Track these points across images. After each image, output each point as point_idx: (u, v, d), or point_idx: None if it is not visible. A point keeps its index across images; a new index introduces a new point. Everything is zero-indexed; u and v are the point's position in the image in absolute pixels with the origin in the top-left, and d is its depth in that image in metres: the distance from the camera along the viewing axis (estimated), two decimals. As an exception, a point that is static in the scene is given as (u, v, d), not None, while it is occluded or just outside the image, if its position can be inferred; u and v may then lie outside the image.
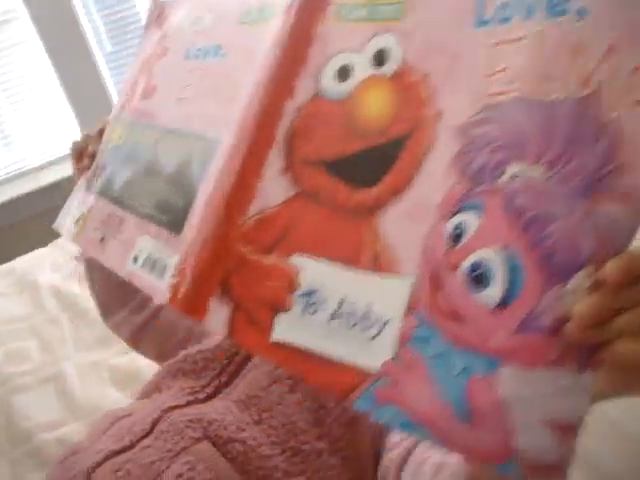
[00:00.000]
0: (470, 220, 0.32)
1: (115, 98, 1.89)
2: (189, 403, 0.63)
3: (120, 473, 0.56)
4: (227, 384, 0.65)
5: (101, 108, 1.83)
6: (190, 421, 0.59)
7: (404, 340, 0.33)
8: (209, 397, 0.64)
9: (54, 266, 1.19)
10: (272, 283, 0.38)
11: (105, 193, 0.55)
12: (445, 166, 0.33)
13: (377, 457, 0.59)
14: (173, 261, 0.42)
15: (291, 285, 0.37)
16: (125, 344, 0.97)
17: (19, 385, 0.96)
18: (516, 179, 0.31)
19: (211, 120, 0.46)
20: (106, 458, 0.59)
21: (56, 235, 0.72)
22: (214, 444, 0.57)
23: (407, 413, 0.31)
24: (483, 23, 0.34)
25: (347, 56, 0.40)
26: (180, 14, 0.57)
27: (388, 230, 0.35)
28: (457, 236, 0.32)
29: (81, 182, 0.62)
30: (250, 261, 0.40)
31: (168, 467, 0.55)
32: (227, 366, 0.66)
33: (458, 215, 0.32)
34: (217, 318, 0.39)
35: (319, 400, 0.60)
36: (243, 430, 0.58)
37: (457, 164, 0.33)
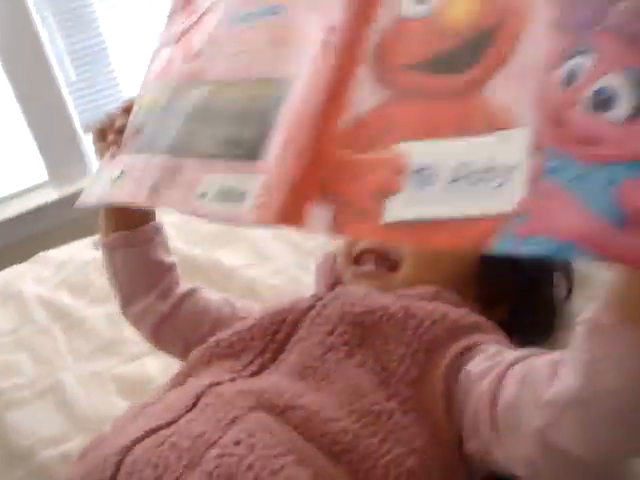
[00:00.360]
0: (582, 62, 0.34)
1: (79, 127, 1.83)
2: (233, 380, 0.59)
3: (164, 447, 0.51)
4: (272, 360, 0.62)
5: (64, 137, 1.77)
6: (239, 392, 0.56)
7: (536, 176, 0.33)
8: (254, 374, 0.61)
9: (37, 280, 1.11)
10: (377, 173, 0.40)
11: (149, 149, 0.58)
12: (545, 32, 0.36)
13: (452, 416, 0.55)
14: (253, 185, 0.44)
15: (399, 168, 0.39)
16: (135, 348, 0.91)
17: (12, 400, 0.88)
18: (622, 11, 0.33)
19: (277, 64, 0.50)
20: (144, 436, 0.53)
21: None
22: (270, 413, 0.53)
23: (556, 237, 0.31)
24: None
25: None
26: None
27: (497, 96, 0.37)
28: (570, 79, 0.34)
29: (108, 156, 0.65)
30: (349, 162, 0.42)
31: (221, 437, 0.51)
32: (269, 343, 0.63)
33: (568, 62, 0.34)
34: (318, 221, 0.40)
35: (381, 360, 0.57)
36: (301, 397, 0.55)
37: (557, 25, 0.36)
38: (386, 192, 0.38)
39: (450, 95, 0.39)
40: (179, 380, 0.65)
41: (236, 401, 0.54)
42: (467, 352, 0.56)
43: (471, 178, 0.35)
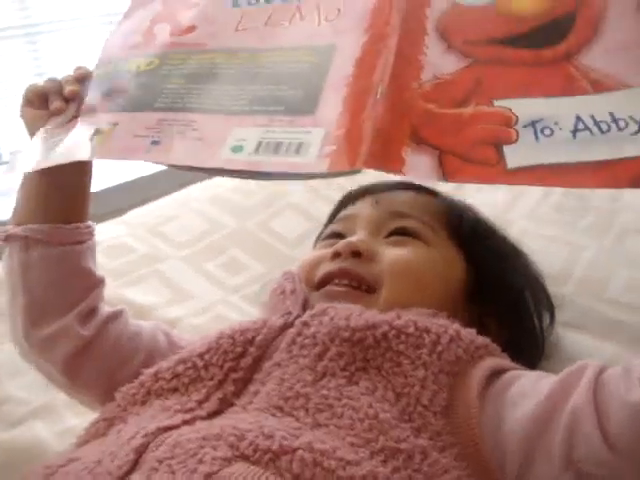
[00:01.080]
0: None
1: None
2: (186, 423, 0.44)
3: None
4: (236, 394, 0.50)
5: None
6: (204, 439, 0.41)
7: None
8: (214, 414, 0.49)
9: None
10: (482, 125, 0.43)
11: (136, 108, 0.56)
12: (633, 16, 0.45)
13: (501, 450, 0.47)
14: (312, 137, 0.46)
15: (507, 121, 0.42)
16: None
17: None
18: None
19: (313, 35, 0.55)
20: None
21: None
22: (256, 463, 0.40)
23: None
24: None
25: None
26: None
27: (597, 65, 0.44)
28: None
29: (58, 121, 0.59)
30: (441, 114, 0.45)
31: None
32: (230, 372, 0.51)
33: None
34: (420, 166, 0.42)
35: (395, 386, 0.48)
36: (297, 437, 0.42)
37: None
38: (501, 141, 0.41)
39: (540, 65, 0.46)
40: (99, 429, 0.51)
41: (203, 452, 0.40)
42: (496, 375, 0.50)
43: (600, 128, 0.40)
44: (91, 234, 0.64)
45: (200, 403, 0.49)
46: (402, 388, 0.47)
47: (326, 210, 0.85)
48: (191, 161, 0.49)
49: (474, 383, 0.48)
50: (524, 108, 0.43)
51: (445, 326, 0.51)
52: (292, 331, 0.53)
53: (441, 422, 0.46)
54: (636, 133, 0.39)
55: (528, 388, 0.49)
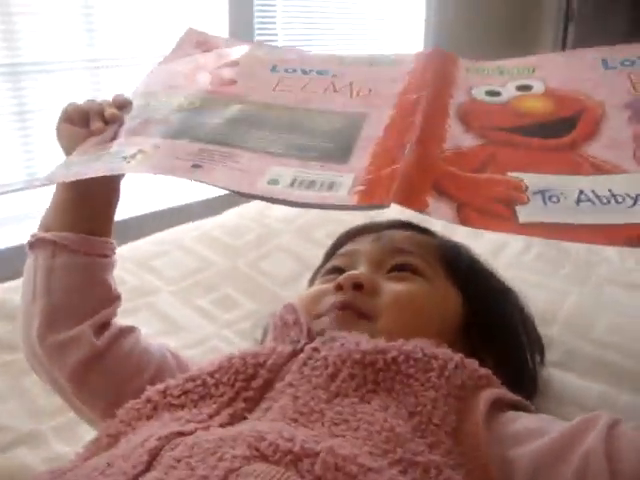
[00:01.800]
0: None
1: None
2: (206, 428, 0.45)
3: None
4: (249, 410, 0.50)
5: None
6: (221, 439, 0.41)
7: None
8: (226, 425, 0.48)
9: None
10: (498, 187, 0.50)
11: (180, 136, 0.60)
12: (624, 123, 0.55)
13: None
14: (343, 179, 0.52)
15: (519, 187, 0.49)
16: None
17: None
18: None
19: (346, 105, 0.64)
20: None
21: None
22: (277, 464, 0.40)
23: None
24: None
25: (491, 86, 0.65)
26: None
27: (597, 155, 0.52)
28: None
29: (95, 140, 0.62)
30: (461, 175, 0.51)
31: None
32: (242, 391, 0.51)
33: None
34: (441, 211, 0.47)
35: (406, 405, 0.48)
36: (318, 442, 0.42)
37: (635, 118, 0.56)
38: (514, 201, 0.47)
39: (547, 150, 0.55)
40: (101, 445, 0.50)
41: (222, 451, 0.40)
42: (499, 406, 0.51)
43: (600, 200, 0.46)
44: (113, 251, 0.66)
45: (211, 417, 0.49)
46: (414, 407, 0.48)
47: (315, 253, 0.87)
48: (233, 186, 0.52)
49: (480, 407, 0.49)
50: (534, 180, 0.49)
51: (449, 354, 0.53)
52: (302, 356, 0.53)
53: (451, 441, 0.46)
54: (632, 206, 0.45)
55: (534, 426, 0.50)
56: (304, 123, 0.62)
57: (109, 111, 0.63)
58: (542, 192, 0.48)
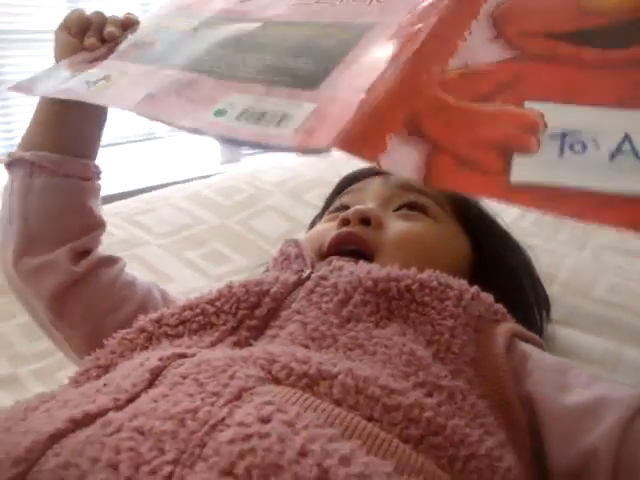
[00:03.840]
0: None
1: None
2: (212, 348, 0.43)
3: (121, 435, 0.31)
4: (254, 337, 0.46)
5: None
6: (231, 359, 0.37)
7: None
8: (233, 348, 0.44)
9: None
10: (500, 127, 0.36)
11: (154, 62, 0.56)
12: None
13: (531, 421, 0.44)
14: (297, 111, 0.42)
15: (533, 126, 0.35)
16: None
17: None
18: None
19: (357, 14, 0.52)
20: (72, 427, 0.33)
21: None
22: (293, 386, 0.36)
23: None
24: None
25: None
26: None
27: None
28: None
29: (81, 56, 0.58)
30: (457, 107, 0.39)
31: (228, 415, 0.32)
32: (245, 319, 0.47)
33: None
34: (401, 159, 0.35)
35: (424, 333, 0.45)
36: (335, 364, 0.38)
37: None
38: (515, 149, 0.34)
39: (605, 66, 0.38)
40: (91, 376, 0.45)
41: (232, 369, 0.36)
42: (517, 339, 0.48)
43: None
44: (98, 175, 0.62)
45: (213, 344, 0.45)
46: (431, 336, 0.45)
47: (307, 212, 0.84)
48: (173, 118, 0.46)
49: (499, 339, 0.46)
50: (559, 115, 0.36)
51: (465, 284, 0.50)
52: (309, 283, 0.49)
53: (472, 371, 0.43)
54: None
55: (554, 361, 0.48)
56: (296, 40, 0.53)
57: (108, 29, 0.59)
58: (564, 135, 0.34)
